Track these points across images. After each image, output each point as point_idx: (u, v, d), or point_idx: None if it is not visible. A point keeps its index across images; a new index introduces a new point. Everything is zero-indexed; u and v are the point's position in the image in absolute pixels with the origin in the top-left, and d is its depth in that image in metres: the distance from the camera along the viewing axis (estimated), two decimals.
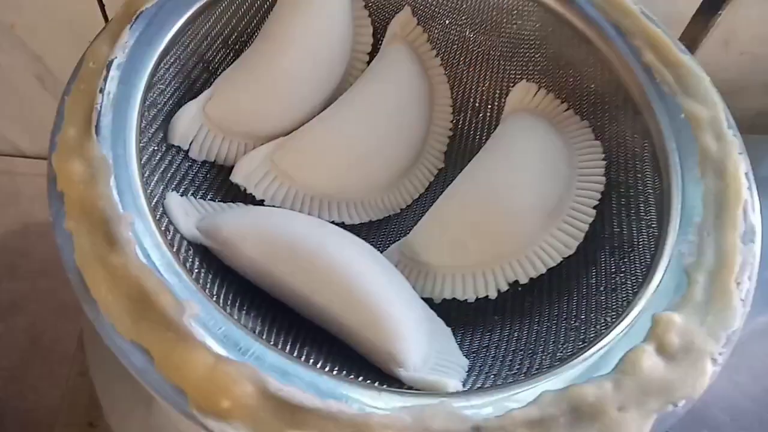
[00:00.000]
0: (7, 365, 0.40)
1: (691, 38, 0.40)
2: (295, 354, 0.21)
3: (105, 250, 0.19)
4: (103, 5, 0.37)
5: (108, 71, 0.22)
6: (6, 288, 0.43)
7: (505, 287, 0.25)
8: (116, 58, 0.23)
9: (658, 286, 0.21)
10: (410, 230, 0.26)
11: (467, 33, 0.31)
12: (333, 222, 0.26)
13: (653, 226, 0.23)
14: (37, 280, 0.44)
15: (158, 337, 0.17)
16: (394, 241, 0.27)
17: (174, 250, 0.20)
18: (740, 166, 0.23)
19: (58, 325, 0.42)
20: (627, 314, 0.20)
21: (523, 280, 0.25)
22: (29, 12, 0.40)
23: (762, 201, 0.23)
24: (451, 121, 0.31)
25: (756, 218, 0.22)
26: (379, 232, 0.28)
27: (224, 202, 0.26)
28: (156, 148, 0.24)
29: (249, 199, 0.26)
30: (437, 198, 0.27)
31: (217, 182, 0.27)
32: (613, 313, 0.21)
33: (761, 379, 0.37)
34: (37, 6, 0.38)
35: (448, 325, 0.24)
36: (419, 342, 0.21)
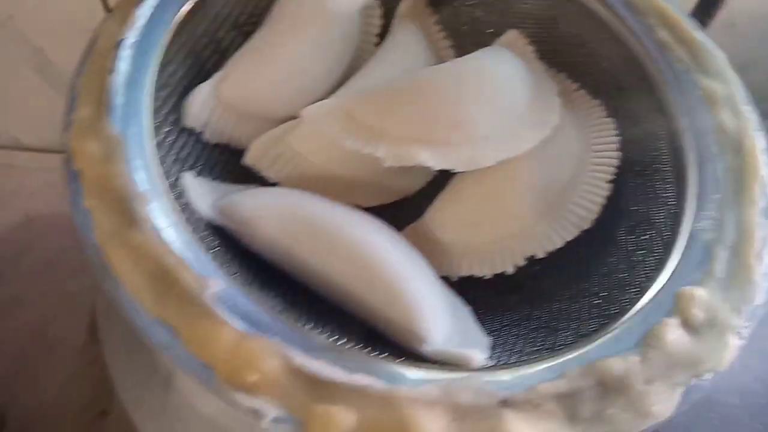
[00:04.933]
0: (11, 360, 0.40)
1: (698, 21, 0.40)
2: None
3: (125, 228, 0.18)
4: None
5: (120, 51, 0.22)
6: (9, 282, 0.43)
7: (521, 262, 0.24)
8: (127, 38, 0.22)
9: (679, 261, 0.21)
10: (425, 211, 0.26)
11: (477, 13, 0.30)
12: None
13: (672, 203, 0.23)
14: (41, 274, 0.43)
15: (183, 314, 0.17)
16: (409, 223, 0.26)
17: (192, 229, 0.20)
18: (757, 142, 0.23)
19: (62, 318, 0.42)
20: (650, 290, 0.20)
21: (540, 255, 0.24)
22: (28, 3, 0.39)
23: None
24: None
25: None
26: (394, 214, 0.28)
27: (239, 184, 0.26)
28: (169, 128, 0.24)
29: (263, 182, 0.26)
30: (451, 179, 0.27)
31: (230, 164, 0.26)
32: (636, 290, 0.21)
33: None
34: None
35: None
36: (442, 320, 0.21)
